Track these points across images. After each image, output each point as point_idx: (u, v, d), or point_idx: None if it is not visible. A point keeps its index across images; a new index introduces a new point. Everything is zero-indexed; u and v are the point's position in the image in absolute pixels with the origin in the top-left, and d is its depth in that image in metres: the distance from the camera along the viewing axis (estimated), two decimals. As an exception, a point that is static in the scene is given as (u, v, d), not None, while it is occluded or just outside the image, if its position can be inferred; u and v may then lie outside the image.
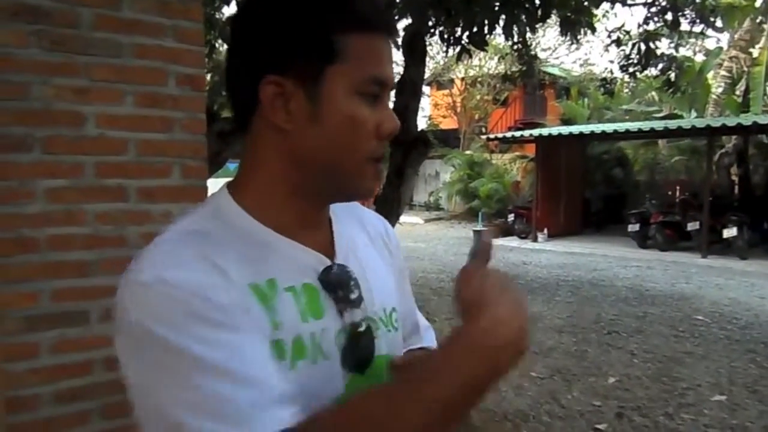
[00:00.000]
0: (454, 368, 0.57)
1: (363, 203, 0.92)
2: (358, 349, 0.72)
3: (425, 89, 21.47)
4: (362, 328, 0.73)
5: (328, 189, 0.72)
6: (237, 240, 0.67)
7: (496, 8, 4.28)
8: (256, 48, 0.69)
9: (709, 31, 11.23)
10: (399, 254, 0.91)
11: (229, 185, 0.73)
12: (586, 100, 18.77)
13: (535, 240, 13.32)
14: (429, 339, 0.98)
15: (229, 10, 5.68)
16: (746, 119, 11.41)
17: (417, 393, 0.57)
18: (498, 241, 13.54)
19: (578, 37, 5.33)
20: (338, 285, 0.72)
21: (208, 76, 6.78)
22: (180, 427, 0.56)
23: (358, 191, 0.72)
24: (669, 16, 5.73)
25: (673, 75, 6.62)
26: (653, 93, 16.05)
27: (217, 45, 6.02)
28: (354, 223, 0.84)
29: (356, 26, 0.66)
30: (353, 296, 0.73)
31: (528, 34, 5.81)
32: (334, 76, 0.66)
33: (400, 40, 4.55)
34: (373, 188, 0.72)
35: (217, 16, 5.66)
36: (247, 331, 0.60)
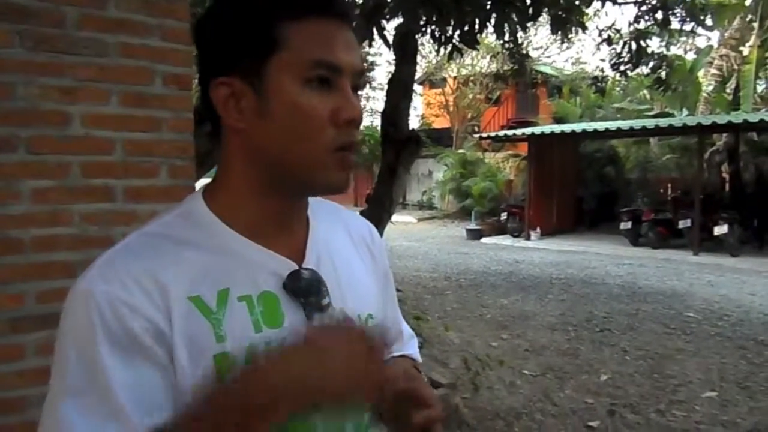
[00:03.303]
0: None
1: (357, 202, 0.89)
2: None
3: (417, 88, 21.52)
4: None
5: (292, 184, 0.70)
6: (200, 246, 0.67)
7: (487, 7, 4.28)
8: (205, 53, 0.70)
9: (700, 30, 11.29)
10: (383, 259, 0.89)
11: (205, 188, 0.73)
12: (578, 98, 18.84)
13: (527, 238, 13.35)
14: (412, 347, 0.96)
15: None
16: (737, 117, 11.48)
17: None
18: (491, 240, 13.58)
19: (569, 35, 5.35)
20: (307, 291, 0.70)
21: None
22: None
23: (322, 184, 0.69)
24: (659, 15, 5.77)
25: (664, 73, 6.67)
26: (644, 91, 16.13)
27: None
28: (336, 226, 0.82)
29: (294, 13, 0.65)
30: (323, 302, 0.71)
31: (519, 33, 5.82)
32: (277, 67, 0.65)
33: (391, 40, 4.54)
34: (342, 179, 0.69)
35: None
36: (143, 360, 0.61)
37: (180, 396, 0.62)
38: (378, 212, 4.32)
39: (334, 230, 0.81)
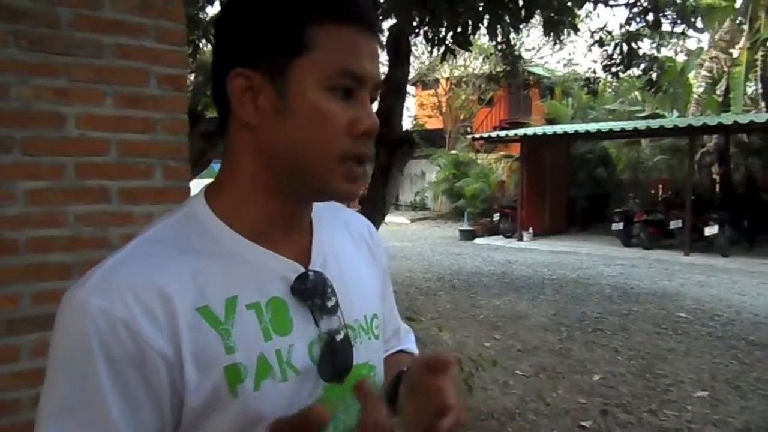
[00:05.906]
0: None
1: (348, 204, 0.89)
2: (334, 358, 0.68)
3: (410, 89, 21.53)
4: (339, 337, 0.70)
5: (300, 188, 0.68)
6: (204, 252, 0.65)
7: (480, 8, 4.30)
8: (227, 43, 0.68)
9: (690, 32, 11.38)
10: (383, 256, 0.88)
11: (207, 189, 0.71)
12: (570, 99, 18.91)
13: (520, 239, 13.39)
14: (409, 341, 0.96)
15: (213, 10, 5.65)
16: (727, 119, 11.57)
17: None
18: (484, 240, 13.61)
19: (561, 37, 5.36)
20: (313, 293, 0.69)
21: (192, 77, 6.73)
22: None
23: (329, 191, 0.68)
24: (650, 17, 5.79)
25: (655, 75, 6.70)
26: (636, 93, 16.22)
27: (200, 45, 5.98)
28: (338, 226, 0.81)
29: (326, 17, 0.64)
30: (329, 304, 0.70)
31: (512, 35, 5.84)
32: (302, 69, 0.64)
33: (384, 40, 4.54)
34: (348, 190, 0.68)
35: (201, 16, 5.62)
36: (139, 383, 0.59)
37: (188, 412, 0.60)
38: (371, 213, 4.31)
39: (337, 229, 0.80)
